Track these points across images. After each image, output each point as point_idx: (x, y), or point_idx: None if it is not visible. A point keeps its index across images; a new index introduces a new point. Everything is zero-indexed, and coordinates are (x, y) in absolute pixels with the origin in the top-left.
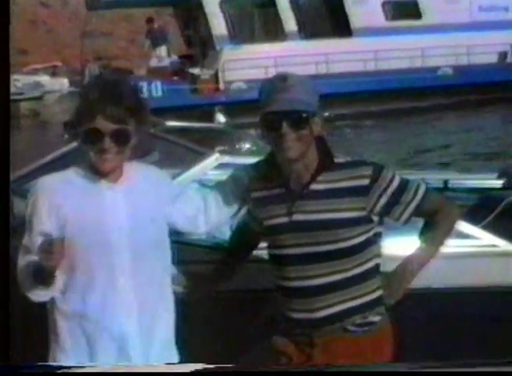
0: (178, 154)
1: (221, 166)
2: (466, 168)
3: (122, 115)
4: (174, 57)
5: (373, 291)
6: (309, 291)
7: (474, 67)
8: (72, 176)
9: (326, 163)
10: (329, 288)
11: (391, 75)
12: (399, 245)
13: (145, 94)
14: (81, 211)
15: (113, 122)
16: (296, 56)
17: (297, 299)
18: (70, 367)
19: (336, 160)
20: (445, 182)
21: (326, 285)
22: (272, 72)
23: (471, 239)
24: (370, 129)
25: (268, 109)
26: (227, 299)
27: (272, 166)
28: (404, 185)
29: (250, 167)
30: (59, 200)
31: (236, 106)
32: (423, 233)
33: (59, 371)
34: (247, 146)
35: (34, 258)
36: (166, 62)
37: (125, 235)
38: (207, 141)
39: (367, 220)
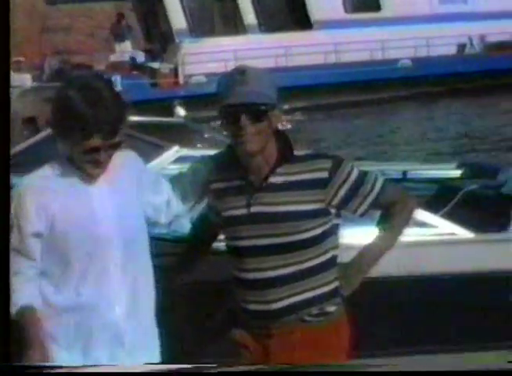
0: (137, 148)
1: (180, 159)
2: (426, 159)
3: (117, 128)
4: (137, 52)
5: (330, 281)
6: (266, 283)
7: (434, 59)
8: (51, 173)
9: (286, 156)
10: (285, 280)
11: (351, 68)
12: (357, 235)
13: None
14: (67, 207)
15: (109, 138)
16: (255, 50)
17: (253, 291)
18: (70, 367)
19: (295, 153)
20: (404, 173)
21: (283, 277)
22: (231, 65)
23: (430, 227)
24: (330, 122)
25: (226, 101)
26: (189, 291)
27: (231, 158)
28: (362, 178)
29: (210, 158)
30: (45, 199)
31: (195, 100)
32: (380, 223)
33: (60, 371)
34: (207, 139)
35: (27, 267)
36: (126, 56)
37: (114, 226)
38: (166, 135)
39: (325, 212)
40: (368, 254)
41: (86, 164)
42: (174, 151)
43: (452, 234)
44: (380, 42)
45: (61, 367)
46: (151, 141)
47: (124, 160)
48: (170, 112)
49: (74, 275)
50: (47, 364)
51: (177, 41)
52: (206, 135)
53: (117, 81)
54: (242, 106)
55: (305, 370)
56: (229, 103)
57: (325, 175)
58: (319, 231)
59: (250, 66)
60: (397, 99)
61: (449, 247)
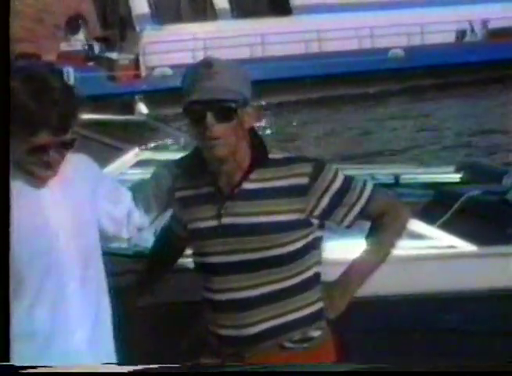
0: (92, 150)
1: (141, 163)
2: (419, 160)
3: (68, 124)
4: (91, 41)
5: (313, 303)
6: (239, 305)
7: (429, 48)
8: None
9: (260, 159)
10: (261, 301)
11: (335, 58)
12: (343, 249)
13: None
14: (17, 217)
15: (59, 135)
16: (228, 38)
17: (225, 314)
18: (70, 367)
19: (271, 155)
20: (396, 177)
21: (258, 297)
22: (200, 56)
23: (426, 239)
24: (311, 119)
25: (190, 98)
26: (151, 314)
27: (198, 162)
28: (348, 184)
29: (174, 163)
30: None
31: (159, 95)
32: (369, 237)
33: (60, 371)
34: (171, 140)
35: None
36: (79, 45)
37: (71, 236)
38: (125, 135)
39: (306, 223)
40: (356, 271)
41: (33, 166)
42: (134, 154)
43: (451, 247)
44: (368, 29)
45: (62, 367)
46: (108, 142)
47: (76, 165)
48: (130, 109)
49: (27, 294)
50: (47, 364)
51: (138, 27)
52: (170, 136)
53: (70, 73)
54: (207, 104)
55: (304, 370)
56: (193, 99)
57: (305, 181)
58: (299, 245)
59: (218, 58)
60: (387, 93)
61: (448, 262)
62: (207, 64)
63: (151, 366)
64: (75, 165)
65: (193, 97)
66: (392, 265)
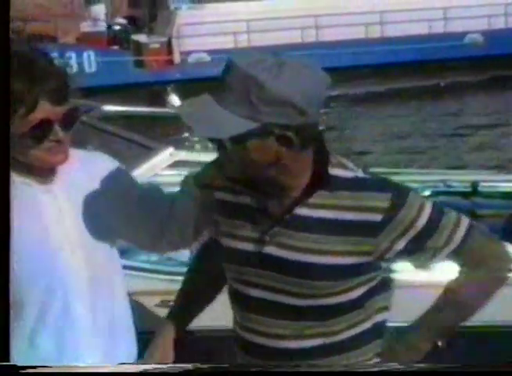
0: (119, 149)
1: (176, 164)
2: (500, 166)
3: (62, 93)
4: (115, 19)
5: (369, 359)
6: (277, 355)
7: None
8: None
9: (323, 178)
10: (307, 355)
11: (401, 44)
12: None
13: (73, 68)
14: (19, 231)
15: (58, 104)
16: (275, 19)
17: (254, 359)
18: (71, 367)
19: (336, 171)
20: (474, 184)
21: (297, 352)
22: (243, 41)
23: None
24: (375, 115)
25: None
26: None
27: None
28: (436, 221)
29: (211, 164)
30: None
31: (195, 85)
32: (454, 287)
33: (60, 371)
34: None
35: None
36: (101, 26)
37: (76, 248)
38: (157, 132)
39: (372, 267)
40: (427, 329)
41: (41, 151)
42: (169, 154)
43: None
44: (441, 10)
45: (62, 367)
46: (136, 140)
47: (86, 163)
48: (161, 101)
49: (28, 319)
50: (47, 364)
51: (171, 6)
52: None
53: (90, 58)
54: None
55: (304, 370)
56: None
57: (378, 218)
58: (359, 292)
59: (292, 59)
60: (463, 85)
61: None
62: (278, 61)
63: (152, 366)
64: (89, 166)
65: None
66: None
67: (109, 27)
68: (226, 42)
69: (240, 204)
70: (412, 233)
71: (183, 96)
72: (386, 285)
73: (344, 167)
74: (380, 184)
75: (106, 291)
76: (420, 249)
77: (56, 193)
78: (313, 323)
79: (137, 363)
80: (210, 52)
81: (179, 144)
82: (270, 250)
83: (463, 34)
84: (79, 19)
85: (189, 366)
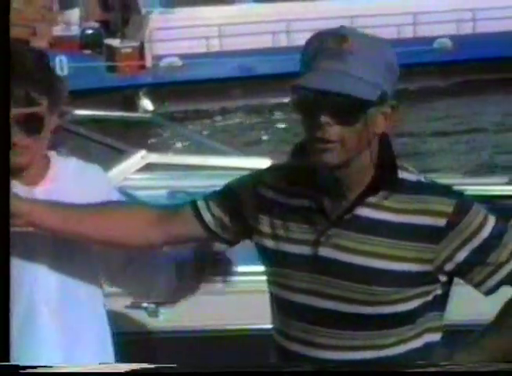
0: (91, 152)
1: (147, 167)
2: (469, 171)
3: (33, 93)
4: (88, 24)
5: None
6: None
7: (481, 38)
8: None
9: (387, 178)
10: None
11: None
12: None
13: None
14: None
15: (22, 105)
16: (247, 24)
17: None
18: (71, 367)
19: (401, 175)
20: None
21: (352, 363)
22: (215, 45)
23: None
24: None
25: (301, 81)
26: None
27: (300, 165)
28: (499, 235)
29: (270, 170)
30: None
31: (166, 90)
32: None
33: (60, 371)
34: (181, 141)
35: None
36: (74, 30)
37: (50, 256)
38: (128, 135)
39: (430, 279)
40: (481, 350)
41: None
42: (140, 157)
43: None
44: (410, 15)
45: (62, 367)
46: (108, 143)
47: (75, 171)
48: (133, 105)
49: None
50: (47, 364)
51: (143, 10)
52: (179, 136)
53: (62, 62)
54: (325, 96)
55: (304, 370)
56: (306, 85)
57: (442, 223)
58: (413, 305)
59: (358, 31)
60: (431, 91)
61: None
62: (341, 37)
63: (151, 366)
64: (77, 174)
65: (307, 82)
66: None
67: (82, 31)
68: (198, 46)
69: (291, 205)
70: (475, 243)
71: (155, 100)
72: (441, 304)
73: (407, 170)
74: (445, 190)
75: (75, 290)
76: (480, 263)
77: (39, 195)
78: (360, 334)
79: (137, 363)
80: (182, 56)
81: (151, 147)
82: (325, 252)
83: (433, 39)
84: (53, 23)
85: (177, 366)
